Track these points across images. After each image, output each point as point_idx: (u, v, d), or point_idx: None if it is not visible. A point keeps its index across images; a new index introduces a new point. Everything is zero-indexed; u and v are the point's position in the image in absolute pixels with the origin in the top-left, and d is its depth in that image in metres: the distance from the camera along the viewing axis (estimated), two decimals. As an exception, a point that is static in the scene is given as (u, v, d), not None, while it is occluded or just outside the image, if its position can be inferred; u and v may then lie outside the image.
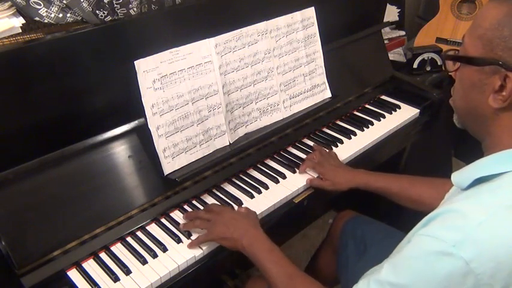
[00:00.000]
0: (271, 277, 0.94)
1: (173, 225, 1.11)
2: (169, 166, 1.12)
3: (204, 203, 1.18)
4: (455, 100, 0.82)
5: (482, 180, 0.73)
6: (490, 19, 0.71)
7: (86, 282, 0.97)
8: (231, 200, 1.18)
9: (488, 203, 0.68)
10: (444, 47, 1.97)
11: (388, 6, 1.93)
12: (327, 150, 1.36)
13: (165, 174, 1.12)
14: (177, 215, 1.14)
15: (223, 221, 1.03)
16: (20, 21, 1.00)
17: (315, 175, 1.27)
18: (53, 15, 1.03)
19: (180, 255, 1.03)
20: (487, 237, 0.64)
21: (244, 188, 1.22)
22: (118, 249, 1.05)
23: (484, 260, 0.63)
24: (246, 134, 1.30)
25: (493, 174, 0.71)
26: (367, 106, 1.64)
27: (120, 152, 1.09)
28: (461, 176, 0.77)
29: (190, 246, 1.04)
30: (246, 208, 1.12)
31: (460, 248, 0.63)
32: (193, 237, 1.07)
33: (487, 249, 0.63)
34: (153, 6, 1.15)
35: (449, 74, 0.83)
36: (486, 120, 0.76)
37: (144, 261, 1.01)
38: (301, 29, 1.37)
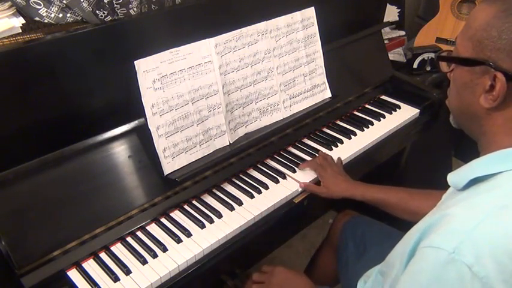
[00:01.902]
0: None
1: (173, 225, 1.11)
2: (169, 166, 1.12)
3: (204, 203, 1.18)
4: (450, 100, 0.83)
5: (478, 181, 0.73)
6: (480, 20, 0.73)
7: (86, 282, 0.97)
8: (231, 200, 1.18)
9: (483, 205, 0.67)
10: (444, 47, 1.97)
11: (388, 6, 1.93)
12: (332, 157, 1.36)
13: (165, 174, 1.12)
14: (177, 215, 1.14)
15: (277, 283, 1.08)
16: (20, 21, 1.00)
17: (314, 175, 1.28)
18: (53, 15, 1.03)
19: (180, 255, 1.03)
20: (484, 238, 0.64)
21: (244, 188, 1.22)
22: (118, 249, 1.05)
23: (485, 262, 0.62)
24: (246, 134, 1.30)
25: (488, 175, 0.71)
26: (367, 106, 1.64)
27: (120, 152, 1.09)
28: (457, 176, 0.77)
29: None
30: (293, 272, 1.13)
31: (460, 253, 0.63)
32: (194, 236, 1.07)
33: (486, 251, 0.63)
34: (153, 6, 1.15)
35: (446, 75, 0.84)
36: (479, 120, 0.76)
37: (144, 261, 1.01)
38: (301, 29, 1.37)
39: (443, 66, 0.84)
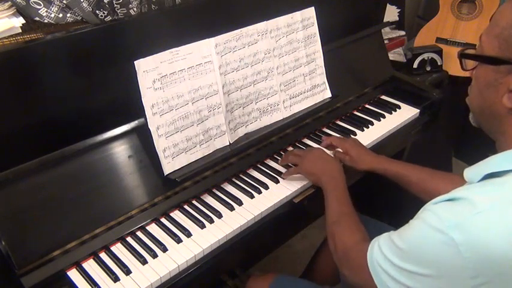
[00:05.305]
0: (328, 212, 1.06)
1: (173, 225, 1.11)
2: (169, 166, 1.12)
3: (204, 203, 1.18)
4: (471, 99, 0.83)
5: (493, 176, 0.73)
6: (507, 19, 0.72)
7: (86, 282, 0.97)
8: (231, 200, 1.18)
9: (494, 195, 0.68)
10: (444, 47, 1.97)
11: (388, 6, 1.93)
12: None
13: (165, 174, 1.12)
14: (177, 215, 1.14)
15: (312, 157, 1.19)
16: (20, 21, 1.00)
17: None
18: (53, 15, 1.03)
19: (180, 255, 1.03)
20: (482, 226, 0.65)
21: (244, 188, 1.22)
22: (118, 249, 1.05)
23: (475, 248, 0.64)
24: (246, 134, 1.30)
25: (503, 171, 0.71)
26: (367, 106, 1.64)
27: (120, 152, 1.09)
28: (473, 171, 0.77)
29: (285, 176, 1.23)
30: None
31: (453, 231, 0.66)
32: (194, 236, 1.07)
33: (479, 238, 0.64)
34: (153, 6, 1.15)
35: (467, 72, 0.82)
36: (500, 119, 0.76)
37: (144, 261, 1.01)
38: (301, 29, 1.37)
39: (466, 63, 0.82)
